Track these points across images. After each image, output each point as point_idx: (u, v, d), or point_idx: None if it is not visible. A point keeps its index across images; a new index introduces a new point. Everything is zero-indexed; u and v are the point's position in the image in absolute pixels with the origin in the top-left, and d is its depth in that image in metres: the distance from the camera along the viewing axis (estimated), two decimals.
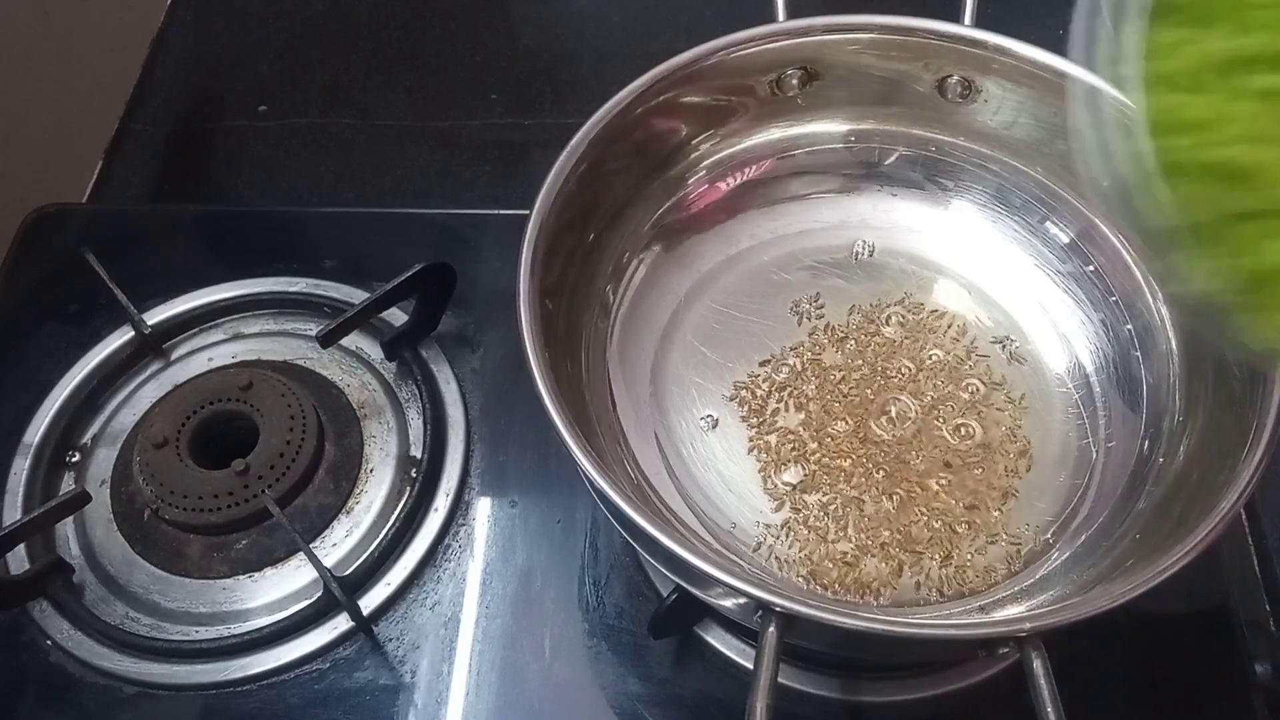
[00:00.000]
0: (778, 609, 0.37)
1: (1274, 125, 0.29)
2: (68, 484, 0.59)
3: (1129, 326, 0.53)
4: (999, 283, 0.57)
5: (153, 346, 0.63)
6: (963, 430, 0.52)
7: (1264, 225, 0.30)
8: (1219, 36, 0.30)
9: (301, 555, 0.54)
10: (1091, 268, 0.54)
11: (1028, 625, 0.37)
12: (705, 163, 0.57)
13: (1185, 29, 0.31)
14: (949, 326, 0.55)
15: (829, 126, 0.58)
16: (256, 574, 0.55)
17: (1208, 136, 0.29)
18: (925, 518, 0.49)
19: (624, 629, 0.53)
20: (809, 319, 0.56)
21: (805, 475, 0.51)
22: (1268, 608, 0.54)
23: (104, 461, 0.59)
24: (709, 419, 0.53)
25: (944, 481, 0.50)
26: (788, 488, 0.50)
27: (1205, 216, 0.30)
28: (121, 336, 0.63)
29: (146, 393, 0.61)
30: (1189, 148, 0.30)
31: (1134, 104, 0.31)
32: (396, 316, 0.63)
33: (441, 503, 0.57)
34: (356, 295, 0.63)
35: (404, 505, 0.56)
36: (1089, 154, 0.31)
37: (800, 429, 0.52)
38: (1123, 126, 0.31)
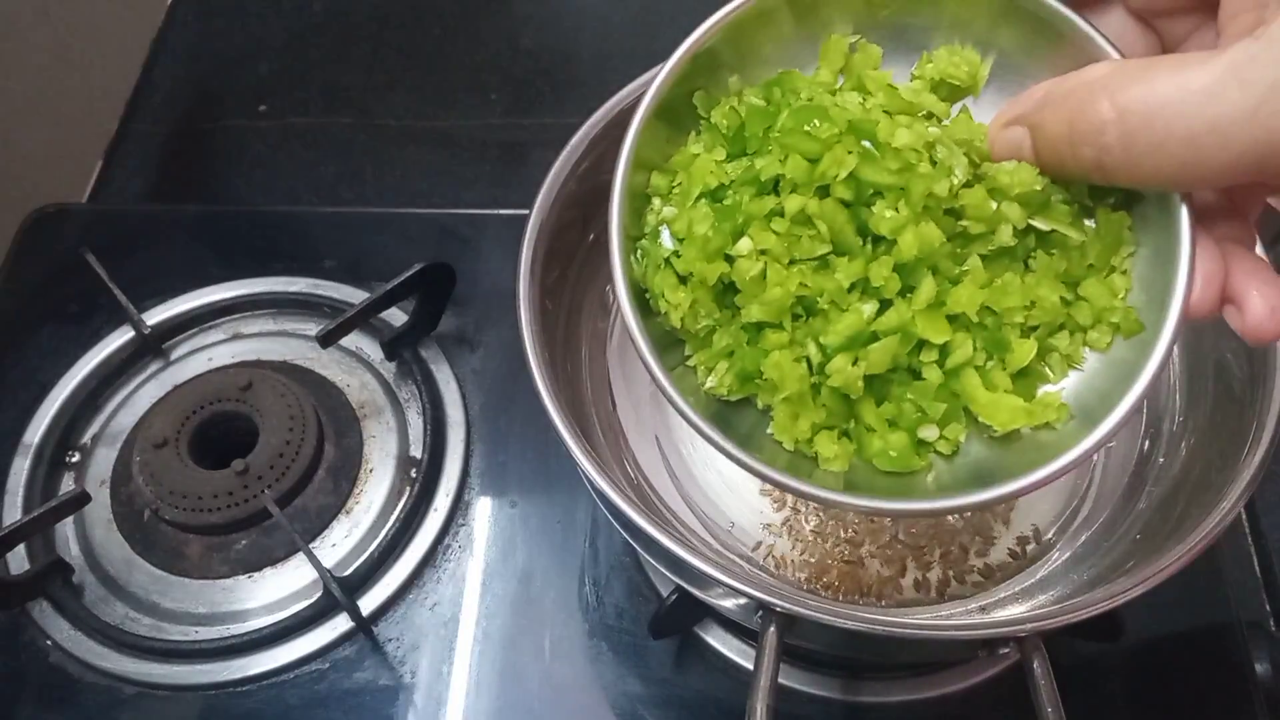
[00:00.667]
0: (778, 609, 0.36)
1: (782, 245, 0.30)
2: (68, 484, 0.59)
3: None
4: None
5: (152, 346, 0.63)
6: None
7: (767, 336, 0.32)
8: (752, 161, 0.32)
9: (301, 555, 0.54)
10: None
11: (1028, 625, 0.37)
12: None
13: (719, 149, 0.33)
14: None
15: None
16: (256, 574, 0.55)
17: (714, 249, 0.31)
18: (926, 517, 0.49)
19: (624, 629, 0.53)
20: None
21: None
22: (1268, 608, 0.54)
23: (104, 461, 0.59)
24: None
25: None
26: None
27: (710, 323, 0.33)
28: (121, 336, 0.63)
29: (146, 393, 0.61)
30: (697, 257, 0.31)
31: (659, 214, 0.33)
32: (396, 316, 0.63)
33: (441, 503, 0.57)
34: (356, 295, 0.63)
35: (404, 505, 0.56)
36: (618, 255, 0.33)
37: None
38: (652, 233, 0.33)
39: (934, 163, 0.30)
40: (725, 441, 0.31)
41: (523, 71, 0.83)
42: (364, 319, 0.60)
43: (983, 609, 0.47)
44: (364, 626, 0.53)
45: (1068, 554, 0.48)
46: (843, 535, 0.49)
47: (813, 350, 0.31)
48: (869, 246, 0.30)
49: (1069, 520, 0.49)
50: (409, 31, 0.86)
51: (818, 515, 0.50)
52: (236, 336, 0.64)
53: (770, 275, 0.31)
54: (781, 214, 0.31)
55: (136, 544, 0.56)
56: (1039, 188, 0.29)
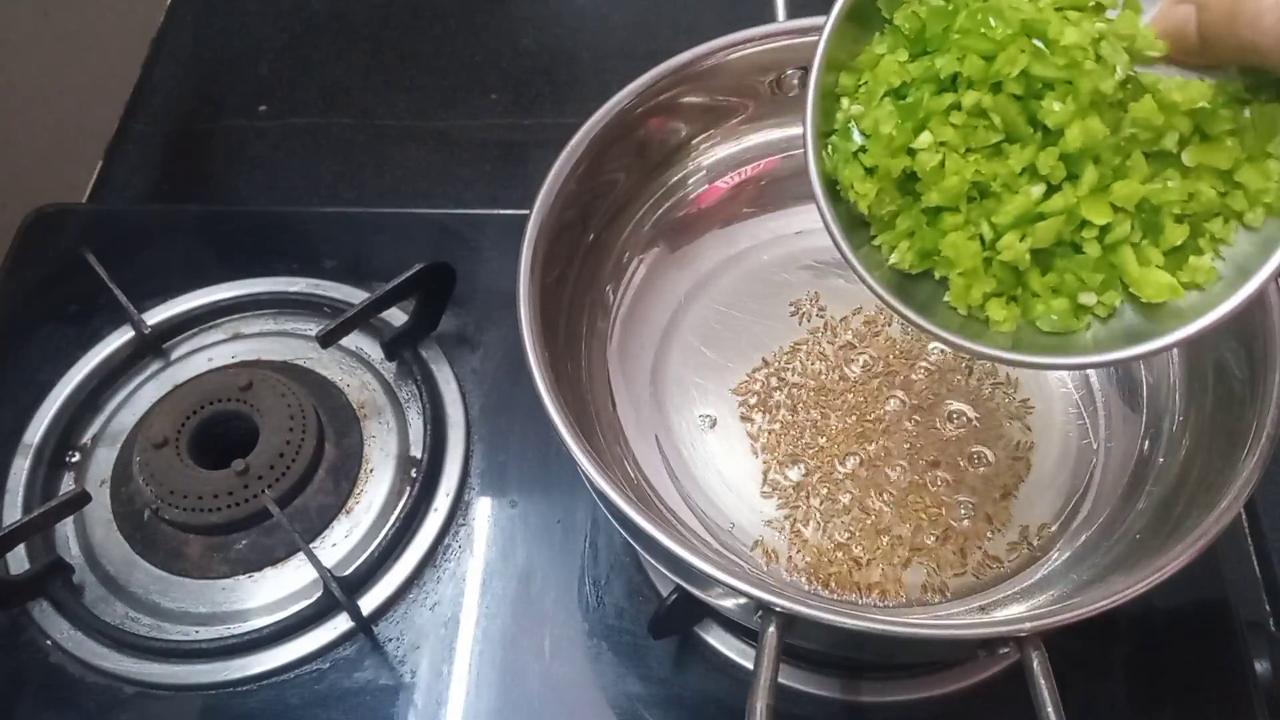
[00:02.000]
0: (778, 609, 0.37)
1: (959, 136, 0.35)
2: (68, 484, 0.59)
3: None
4: None
5: (153, 346, 0.63)
6: (964, 430, 0.52)
7: (945, 218, 0.36)
8: (932, 60, 0.35)
9: (301, 555, 0.54)
10: None
11: (1028, 625, 0.37)
12: (705, 163, 0.57)
13: (902, 50, 0.37)
14: None
15: None
16: (256, 574, 0.55)
17: (897, 146, 0.35)
18: (926, 517, 0.49)
19: (624, 629, 0.53)
20: (809, 319, 0.56)
21: (805, 474, 0.51)
22: (1268, 608, 0.54)
23: (104, 461, 0.59)
24: (709, 419, 0.53)
25: (945, 481, 0.50)
26: (788, 487, 0.50)
27: (893, 208, 0.37)
28: (121, 336, 0.63)
29: (146, 393, 0.61)
30: (882, 152, 0.36)
31: (848, 112, 0.38)
32: (396, 316, 0.63)
33: (441, 503, 0.57)
34: (356, 295, 0.63)
35: (404, 505, 0.56)
36: (813, 150, 0.38)
37: (800, 429, 0.52)
38: (842, 129, 0.38)
39: (1099, 58, 0.32)
40: (905, 308, 0.36)
41: (523, 71, 0.83)
42: (364, 319, 0.60)
43: (983, 609, 0.47)
44: (364, 626, 0.53)
45: (1068, 553, 0.48)
46: (843, 535, 0.49)
47: (985, 229, 0.35)
48: (1038, 134, 0.33)
49: (1069, 519, 0.49)
50: (409, 31, 0.86)
51: (815, 514, 0.50)
52: (236, 336, 0.64)
53: (948, 165, 0.35)
54: (959, 107, 0.34)
55: (136, 544, 0.56)
56: (1206, 103, 0.32)
